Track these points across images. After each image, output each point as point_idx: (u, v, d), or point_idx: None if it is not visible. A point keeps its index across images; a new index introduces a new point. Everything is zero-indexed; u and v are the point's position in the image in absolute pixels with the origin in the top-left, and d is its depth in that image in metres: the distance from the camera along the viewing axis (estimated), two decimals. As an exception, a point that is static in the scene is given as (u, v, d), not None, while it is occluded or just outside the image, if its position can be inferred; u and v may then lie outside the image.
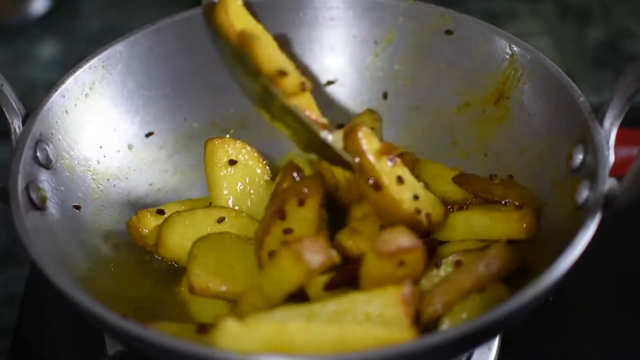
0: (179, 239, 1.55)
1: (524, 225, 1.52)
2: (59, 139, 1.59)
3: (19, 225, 1.41)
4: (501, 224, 1.54)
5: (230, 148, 1.62)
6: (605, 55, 2.41)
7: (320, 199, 1.47)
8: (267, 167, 1.65)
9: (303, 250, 1.35)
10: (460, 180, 1.62)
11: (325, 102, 1.83)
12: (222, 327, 1.26)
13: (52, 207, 1.52)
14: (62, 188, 1.57)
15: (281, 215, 1.46)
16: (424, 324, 1.41)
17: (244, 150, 1.63)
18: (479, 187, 1.60)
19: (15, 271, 1.92)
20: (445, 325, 1.42)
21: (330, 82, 1.84)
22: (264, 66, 1.48)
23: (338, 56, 1.83)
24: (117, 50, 1.69)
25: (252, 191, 1.62)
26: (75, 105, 1.63)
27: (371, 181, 1.49)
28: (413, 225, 1.48)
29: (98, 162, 1.66)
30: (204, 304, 1.52)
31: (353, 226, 1.53)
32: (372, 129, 1.64)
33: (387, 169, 1.50)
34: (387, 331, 1.29)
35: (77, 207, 1.59)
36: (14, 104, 1.54)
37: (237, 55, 1.50)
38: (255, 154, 1.64)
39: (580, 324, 1.73)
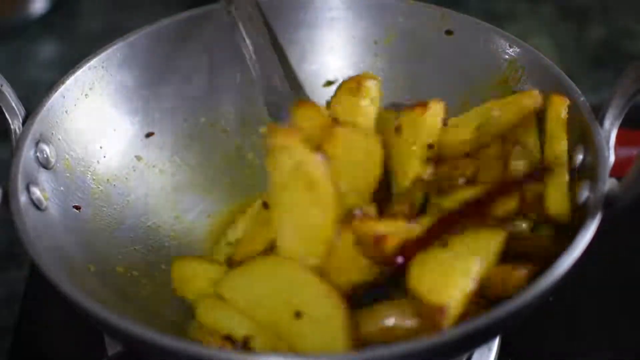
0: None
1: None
2: (59, 139, 1.59)
3: (19, 225, 1.41)
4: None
5: None
6: (605, 55, 2.41)
7: None
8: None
9: None
10: None
11: (325, 102, 1.83)
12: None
13: (52, 207, 1.52)
14: (62, 188, 1.57)
15: None
16: None
17: None
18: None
19: (15, 271, 1.92)
20: None
21: (330, 82, 1.84)
22: None
23: (338, 56, 1.83)
24: (117, 50, 1.69)
25: None
26: (75, 105, 1.63)
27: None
28: None
29: (98, 162, 1.66)
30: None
31: None
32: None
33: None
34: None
35: (77, 208, 1.58)
36: (13, 104, 1.54)
37: None
38: None
39: (580, 324, 1.73)
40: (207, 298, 1.45)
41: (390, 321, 1.34)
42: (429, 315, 1.29)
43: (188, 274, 1.53)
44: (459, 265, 1.31)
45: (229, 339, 1.39)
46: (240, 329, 1.38)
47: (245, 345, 1.35)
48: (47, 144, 1.56)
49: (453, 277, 1.30)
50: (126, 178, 1.70)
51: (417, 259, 1.34)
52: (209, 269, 1.52)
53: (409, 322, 1.33)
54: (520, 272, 1.35)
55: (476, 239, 1.33)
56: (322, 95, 1.83)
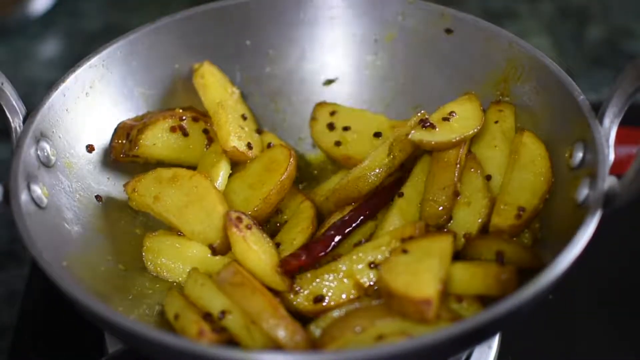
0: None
1: (500, 282, 1.43)
2: (60, 138, 1.59)
3: (19, 223, 1.41)
4: (479, 279, 1.45)
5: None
6: (605, 54, 2.41)
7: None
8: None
9: None
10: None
11: (325, 100, 1.83)
12: None
13: (52, 205, 1.52)
14: (62, 187, 1.57)
15: None
16: None
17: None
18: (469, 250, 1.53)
19: (15, 270, 1.92)
20: None
21: (330, 81, 1.84)
22: None
23: (338, 55, 1.83)
24: (117, 49, 1.69)
25: None
26: (76, 103, 1.63)
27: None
28: None
29: (98, 160, 1.66)
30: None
31: None
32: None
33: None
34: None
35: (78, 206, 1.59)
36: (14, 103, 1.54)
37: None
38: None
39: (580, 323, 1.74)
40: (197, 275, 1.49)
41: (361, 326, 1.39)
42: (415, 309, 1.36)
43: (166, 251, 1.58)
44: (423, 266, 1.42)
45: (208, 316, 1.43)
46: (218, 305, 1.44)
47: (221, 319, 1.43)
48: (48, 142, 1.56)
49: (423, 275, 1.40)
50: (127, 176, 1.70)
51: (384, 267, 1.44)
52: (189, 247, 1.56)
53: (379, 324, 1.39)
54: (505, 274, 1.43)
55: (430, 244, 1.47)
56: (322, 93, 1.83)
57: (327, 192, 1.67)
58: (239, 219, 1.50)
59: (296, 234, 1.59)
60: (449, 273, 1.43)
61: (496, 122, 1.64)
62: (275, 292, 1.47)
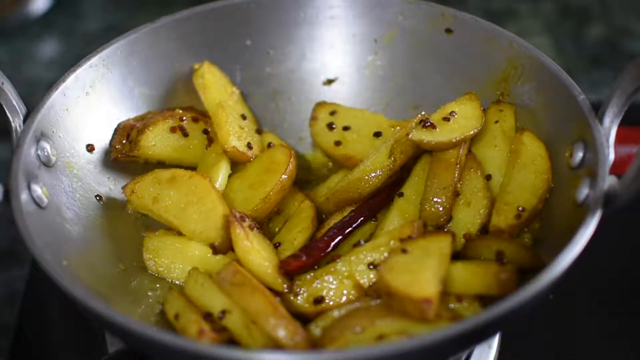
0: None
1: (499, 282, 1.43)
2: (60, 137, 1.59)
3: (20, 223, 1.41)
4: (479, 278, 1.45)
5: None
6: (605, 54, 2.42)
7: None
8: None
9: None
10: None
11: (325, 100, 1.83)
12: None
13: (52, 205, 1.52)
14: (62, 186, 1.57)
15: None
16: None
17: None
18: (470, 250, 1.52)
19: (15, 270, 1.92)
20: None
21: (330, 81, 1.84)
22: None
23: (338, 55, 1.83)
24: (117, 48, 1.69)
25: None
26: (76, 103, 1.64)
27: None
28: None
29: (99, 160, 1.66)
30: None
31: None
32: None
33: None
34: None
35: (78, 206, 1.59)
36: (14, 102, 1.54)
37: None
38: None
39: (580, 323, 1.74)
40: (197, 274, 1.50)
41: (361, 326, 1.40)
42: (415, 309, 1.37)
43: (166, 251, 1.58)
44: (423, 266, 1.42)
45: (209, 316, 1.43)
46: (218, 304, 1.44)
47: (221, 318, 1.43)
48: (48, 142, 1.56)
49: (423, 274, 1.40)
50: (127, 175, 1.70)
51: (383, 267, 1.44)
52: (189, 247, 1.57)
53: (379, 324, 1.39)
54: (505, 273, 1.43)
55: (429, 244, 1.47)
56: (322, 93, 1.83)
57: (327, 193, 1.67)
58: (242, 218, 1.51)
59: (296, 234, 1.60)
60: (449, 273, 1.43)
61: (496, 122, 1.65)
62: (275, 293, 1.47)
